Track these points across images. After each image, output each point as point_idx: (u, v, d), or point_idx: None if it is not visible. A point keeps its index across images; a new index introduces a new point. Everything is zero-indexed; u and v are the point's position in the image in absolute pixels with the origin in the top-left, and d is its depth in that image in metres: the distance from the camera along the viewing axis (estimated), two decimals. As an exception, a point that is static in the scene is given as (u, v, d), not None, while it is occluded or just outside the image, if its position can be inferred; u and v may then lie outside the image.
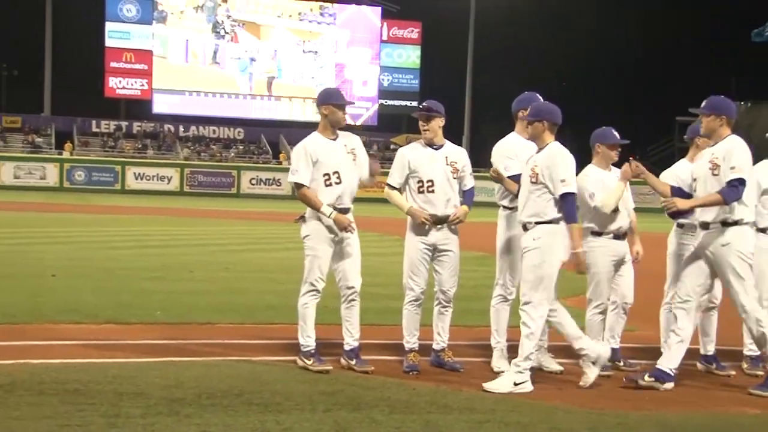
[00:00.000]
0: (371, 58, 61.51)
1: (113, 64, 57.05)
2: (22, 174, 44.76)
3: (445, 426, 5.75)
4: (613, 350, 7.87)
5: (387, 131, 59.71)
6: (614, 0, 68.79)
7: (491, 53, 62.67)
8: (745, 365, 7.97)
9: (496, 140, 7.88)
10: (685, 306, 7.18)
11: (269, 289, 11.74)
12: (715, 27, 67.03)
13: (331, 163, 7.32)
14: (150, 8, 57.73)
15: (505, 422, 5.89)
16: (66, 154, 49.71)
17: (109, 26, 57.03)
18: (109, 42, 57.03)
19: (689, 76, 59.07)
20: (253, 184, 48.06)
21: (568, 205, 6.92)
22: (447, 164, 7.51)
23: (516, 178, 7.33)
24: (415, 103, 52.62)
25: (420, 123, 7.55)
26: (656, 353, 7.59)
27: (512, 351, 7.21)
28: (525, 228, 7.06)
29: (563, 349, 7.82)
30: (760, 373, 7.48)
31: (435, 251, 7.52)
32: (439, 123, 7.52)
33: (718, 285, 7.90)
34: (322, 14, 60.97)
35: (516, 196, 7.30)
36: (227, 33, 59.18)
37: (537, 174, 6.98)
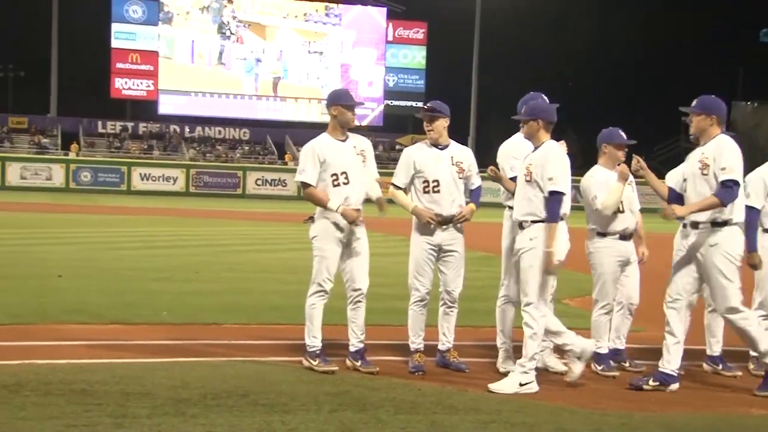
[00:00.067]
0: (377, 59, 61.51)
1: (119, 65, 57.18)
2: (28, 175, 44.85)
3: (451, 426, 5.76)
4: (619, 351, 7.88)
5: (392, 132, 59.71)
6: (618, 1, 68.75)
7: (497, 53, 62.69)
8: (751, 366, 7.94)
9: (501, 141, 7.89)
10: (675, 305, 7.16)
11: (275, 289, 11.75)
12: (720, 27, 66.90)
13: (339, 163, 7.32)
14: (156, 9, 57.82)
15: (511, 423, 5.89)
16: (72, 155, 49.82)
17: (115, 27, 57.13)
18: (115, 43, 57.14)
19: (695, 77, 58.96)
20: (258, 185, 48.09)
21: (551, 203, 6.88)
22: (452, 164, 7.51)
23: None
24: (420, 104, 52.38)
25: (424, 123, 7.57)
26: (662, 354, 7.56)
27: (518, 351, 7.21)
28: (521, 227, 7.05)
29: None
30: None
31: (440, 252, 7.53)
32: (443, 123, 7.53)
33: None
34: (327, 15, 60.98)
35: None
36: (233, 34, 59.24)
37: (531, 172, 6.98)
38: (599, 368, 7.61)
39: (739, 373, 7.84)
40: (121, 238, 19.38)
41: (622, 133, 7.77)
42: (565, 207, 7.00)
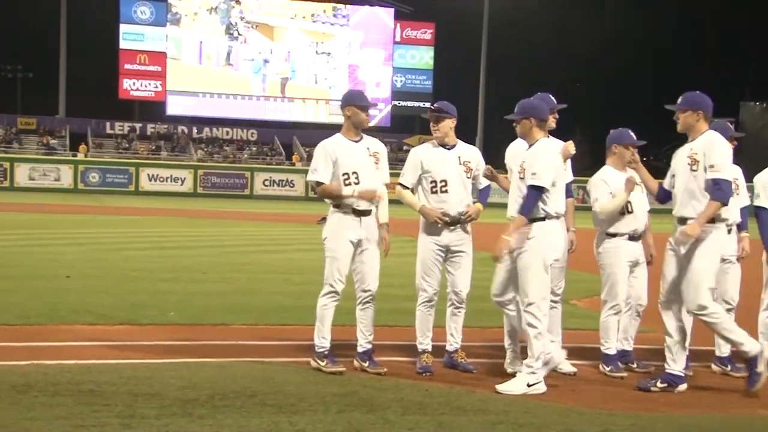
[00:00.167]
0: (384, 59, 61.56)
1: (127, 66, 57.38)
2: (36, 176, 44.98)
3: (459, 427, 5.75)
4: (627, 352, 7.87)
5: (400, 132, 59.72)
6: (627, 1, 68.63)
7: (504, 54, 62.64)
8: (714, 367, 7.97)
9: (509, 141, 7.88)
10: (666, 305, 7.15)
11: (282, 290, 11.76)
12: (730, 27, 66.74)
13: (349, 163, 7.33)
14: (164, 10, 57.98)
15: (519, 423, 5.88)
16: (80, 156, 50.00)
17: (123, 28, 57.31)
18: (123, 44, 57.34)
19: (703, 77, 58.84)
20: (266, 186, 48.12)
21: (528, 196, 6.86)
22: (460, 164, 7.51)
23: None
24: (428, 104, 52.56)
25: (431, 124, 7.57)
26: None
27: (526, 352, 7.19)
28: None
29: (577, 351, 7.81)
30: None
31: (448, 252, 7.52)
32: (449, 124, 7.52)
33: (735, 286, 7.87)
34: (335, 15, 61.06)
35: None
36: (241, 35, 59.36)
37: (524, 170, 6.97)
38: (607, 369, 7.59)
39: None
40: (129, 239, 19.42)
41: (632, 134, 7.77)
42: (560, 206, 6.99)
